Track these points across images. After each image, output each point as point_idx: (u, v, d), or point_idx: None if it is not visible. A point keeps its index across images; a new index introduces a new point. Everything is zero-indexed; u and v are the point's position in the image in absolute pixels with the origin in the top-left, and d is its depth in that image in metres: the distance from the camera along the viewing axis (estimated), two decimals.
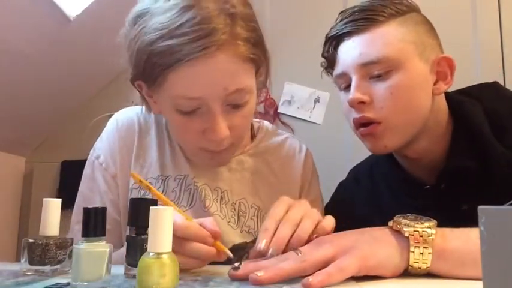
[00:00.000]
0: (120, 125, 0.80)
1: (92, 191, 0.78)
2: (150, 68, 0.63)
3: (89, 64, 1.75)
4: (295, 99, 2.04)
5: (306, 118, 2.02)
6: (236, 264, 0.52)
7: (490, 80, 0.86)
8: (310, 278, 0.47)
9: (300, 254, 0.53)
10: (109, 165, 0.78)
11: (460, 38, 1.91)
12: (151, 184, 0.74)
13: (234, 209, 0.77)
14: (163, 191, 0.75)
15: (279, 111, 2.04)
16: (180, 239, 0.51)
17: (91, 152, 0.81)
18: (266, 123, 0.89)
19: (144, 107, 0.77)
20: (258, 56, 0.68)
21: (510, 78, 1.87)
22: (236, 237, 0.74)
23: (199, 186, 0.76)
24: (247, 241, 0.74)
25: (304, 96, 2.04)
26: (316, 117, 2.02)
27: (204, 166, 0.77)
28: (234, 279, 0.51)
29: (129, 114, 0.81)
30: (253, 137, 0.86)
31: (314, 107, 2.03)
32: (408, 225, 0.54)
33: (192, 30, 0.59)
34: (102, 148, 0.80)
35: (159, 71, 0.62)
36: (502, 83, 1.85)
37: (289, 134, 0.90)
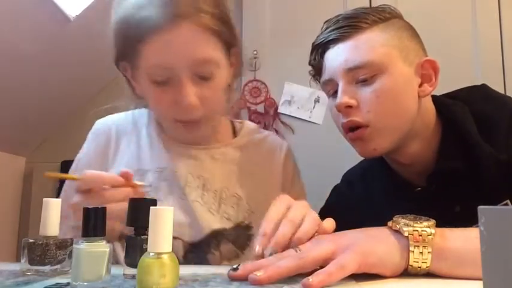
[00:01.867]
0: (97, 131, 0.86)
1: (71, 188, 0.79)
2: (125, 44, 0.70)
3: (89, 64, 1.76)
4: (295, 99, 2.04)
5: (306, 118, 2.02)
6: (235, 266, 0.53)
7: (490, 82, 0.86)
8: (311, 279, 0.47)
9: (298, 252, 0.53)
10: (85, 168, 0.81)
11: (460, 38, 1.91)
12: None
13: (216, 196, 0.79)
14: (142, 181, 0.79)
15: (279, 111, 2.04)
16: (95, 193, 0.58)
17: (80, 151, 0.87)
18: (249, 122, 0.94)
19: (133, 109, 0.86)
20: (224, 32, 0.72)
21: (510, 78, 1.87)
22: (215, 223, 0.76)
23: (179, 176, 0.79)
24: (226, 227, 0.76)
25: (304, 96, 2.04)
26: (316, 117, 2.02)
27: (183, 140, 0.81)
28: (233, 279, 0.51)
29: (106, 120, 0.87)
30: (236, 134, 0.90)
31: (314, 107, 2.03)
32: (407, 225, 0.54)
33: (157, 3, 0.66)
34: (84, 151, 0.85)
35: (132, 45, 0.69)
36: (502, 83, 1.85)
37: (271, 132, 0.96)
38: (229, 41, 0.75)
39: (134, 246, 0.52)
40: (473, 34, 1.93)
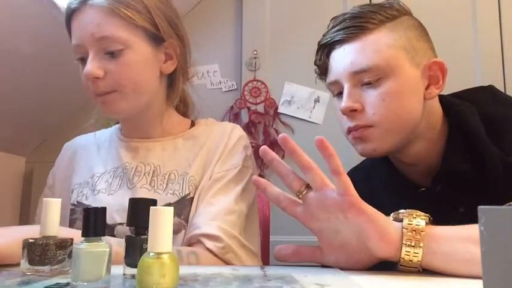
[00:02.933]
0: (64, 149, 1.00)
1: (46, 196, 0.94)
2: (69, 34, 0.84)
3: None
4: (295, 99, 2.04)
5: (306, 118, 2.02)
6: None
7: (490, 81, 0.86)
8: None
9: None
10: (50, 178, 0.96)
11: (460, 39, 1.91)
12: (88, 183, 0.88)
13: (164, 179, 0.85)
14: (97, 182, 0.88)
15: (279, 111, 2.04)
16: None
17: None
18: (208, 119, 0.98)
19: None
20: (140, 21, 0.81)
21: (510, 78, 1.87)
22: (160, 201, 0.80)
23: (129, 168, 0.87)
24: (171, 202, 0.81)
25: (304, 96, 2.04)
26: (316, 117, 2.02)
27: (106, 114, 0.87)
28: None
29: (73, 140, 1.00)
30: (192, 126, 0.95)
31: (314, 107, 2.03)
32: (402, 217, 0.57)
33: None
34: (54, 166, 0.98)
35: (69, 33, 0.83)
36: (502, 84, 1.85)
37: (228, 122, 0.98)
38: (158, 31, 0.83)
39: (134, 246, 0.52)
40: (473, 34, 1.93)
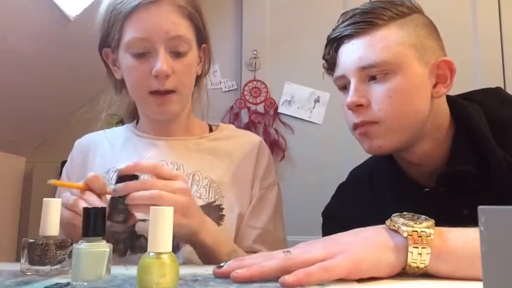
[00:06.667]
0: (76, 146, 0.98)
1: (59, 194, 0.92)
2: (110, 26, 0.81)
3: (89, 64, 1.75)
4: (295, 99, 2.04)
5: (306, 118, 2.02)
6: (221, 263, 0.53)
7: (490, 82, 0.86)
8: (287, 276, 0.47)
9: (287, 254, 0.52)
10: (64, 178, 0.94)
11: (460, 38, 1.91)
12: (105, 177, 0.87)
13: (188, 179, 0.84)
14: (113, 177, 0.86)
15: (279, 111, 2.04)
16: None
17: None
18: (226, 124, 1.01)
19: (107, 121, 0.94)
20: (197, 22, 0.83)
21: (510, 78, 1.87)
22: None
23: None
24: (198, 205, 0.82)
25: (304, 96, 2.04)
26: (316, 117, 2.02)
27: (155, 115, 0.87)
28: (217, 277, 0.52)
29: (84, 137, 0.99)
30: (211, 130, 0.96)
31: (314, 107, 2.03)
32: (406, 225, 0.53)
33: None
34: (67, 165, 0.97)
35: (117, 25, 0.79)
36: (502, 83, 1.86)
37: (248, 131, 1.03)
38: (202, 34, 0.86)
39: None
40: (473, 34, 1.93)
